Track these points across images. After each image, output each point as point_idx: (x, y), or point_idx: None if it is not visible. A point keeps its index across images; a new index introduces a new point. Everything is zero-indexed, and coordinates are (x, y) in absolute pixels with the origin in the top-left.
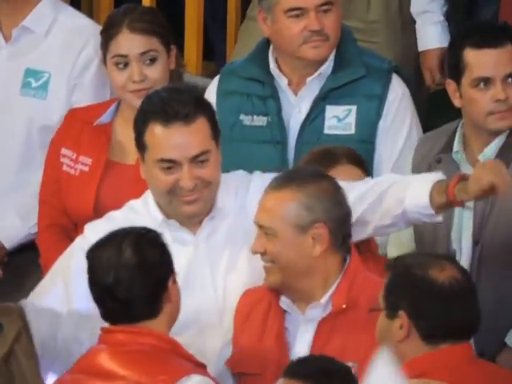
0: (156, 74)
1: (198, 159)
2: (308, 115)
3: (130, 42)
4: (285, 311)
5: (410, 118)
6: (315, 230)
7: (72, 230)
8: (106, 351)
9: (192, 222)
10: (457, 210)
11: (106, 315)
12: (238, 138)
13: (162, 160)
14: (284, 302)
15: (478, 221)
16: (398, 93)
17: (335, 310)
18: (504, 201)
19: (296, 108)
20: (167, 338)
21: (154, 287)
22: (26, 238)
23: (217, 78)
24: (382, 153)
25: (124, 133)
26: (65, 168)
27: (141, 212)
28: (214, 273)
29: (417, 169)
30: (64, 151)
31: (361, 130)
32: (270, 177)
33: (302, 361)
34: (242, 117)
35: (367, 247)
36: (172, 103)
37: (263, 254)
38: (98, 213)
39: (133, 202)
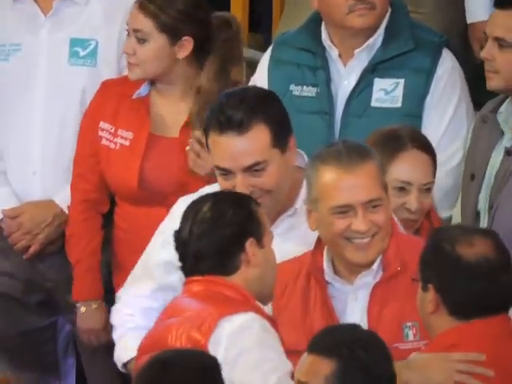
0: (143, 55)
1: (252, 169)
2: (355, 87)
3: (132, 17)
4: (327, 282)
5: (459, 93)
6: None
7: (104, 205)
8: (182, 300)
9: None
10: (488, 172)
11: (185, 270)
12: (287, 107)
13: (218, 168)
14: (328, 273)
15: (496, 183)
16: (447, 68)
17: (388, 275)
18: None
19: (345, 80)
20: (241, 290)
21: (226, 243)
22: None
23: (270, 48)
24: (428, 128)
25: (162, 106)
26: (104, 142)
27: None
28: None
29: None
30: (102, 125)
31: (408, 104)
32: None
33: (325, 334)
34: (291, 87)
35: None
36: (226, 109)
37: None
38: (142, 187)
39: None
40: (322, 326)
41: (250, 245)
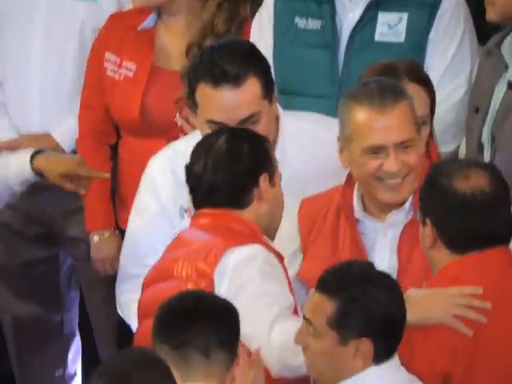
0: None
1: (247, 121)
2: (359, 21)
3: None
4: (356, 220)
5: (463, 27)
6: None
7: (112, 136)
8: (188, 232)
9: None
10: (491, 105)
11: (195, 203)
12: (292, 41)
13: (210, 121)
14: (358, 211)
15: (498, 118)
16: (451, 2)
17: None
18: None
19: (350, 13)
20: (248, 223)
21: (239, 176)
22: None
23: None
24: (431, 63)
25: (167, 38)
26: (109, 73)
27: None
28: None
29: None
30: (108, 56)
31: (411, 39)
32: None
33: (333, 272)
34: (296, 20)
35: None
36: (220, 63)
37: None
38: (143, 118)
39: (190, 141)
40: None
41: (263, 180)
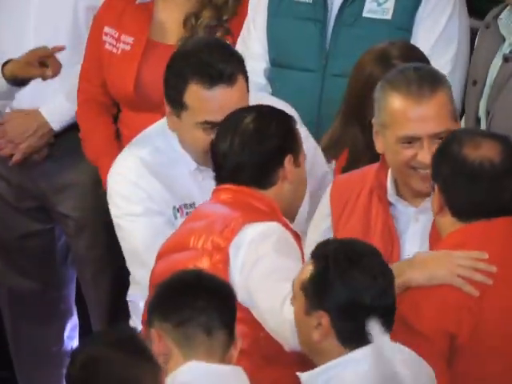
0: None
1: None
2: None
3: None
4: (389, 203)
5: (452, 5)
6: None
7: (111, 108)
8: (207, 205)
9: None
10: (488, 78)
11: (219, 178)
12: (285, 13)
13: (206, 122)
14: (391, 194)
15: (493, 91)
16: None
17: None
18: None
19: None
20: (269, 201)
21: (266, 156)
22: (72, 119)
23: None
24: (417, 41)
25: (165, 12)
26: (107, 46)
27: (168, 155)
28: None
29: None
30: (107, 29)
31: (399, 17)
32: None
33: (325, 242)
34: None
35: None
36: (214, 63)
37: None
38: (138, 92)
39: (155, 142)
40: (381, 246)
41: (288, 161)
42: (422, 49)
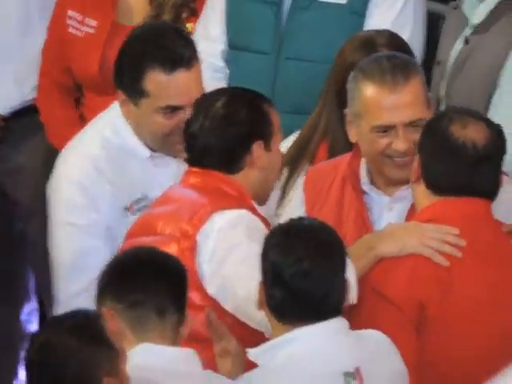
0: None
1: None
2: None
3: None
4: (363, 192)
5: None
6: None
7: (74, 90)
8: (175, 189)
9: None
10: (449, 61)
11: (190, 161)
12: None
13: (167, 107)
14: (365, 183)
15: (452, 73)
16: None
17: None
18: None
19: None
20: (238, 186)
21: (232, 142)
22: (20, 104)
23: None
24: (370, 25)
25: None
26: (71, 30)
27: (117, 145)
28: None
29: None
30: (70, 13)
31: (353, 1)
32: None
33: (287, 223)
34: None
35: None
36: (174, 48)
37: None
38: (103, 75)
39: (103, 132)
40: (355, 235)
41: (256, 147)
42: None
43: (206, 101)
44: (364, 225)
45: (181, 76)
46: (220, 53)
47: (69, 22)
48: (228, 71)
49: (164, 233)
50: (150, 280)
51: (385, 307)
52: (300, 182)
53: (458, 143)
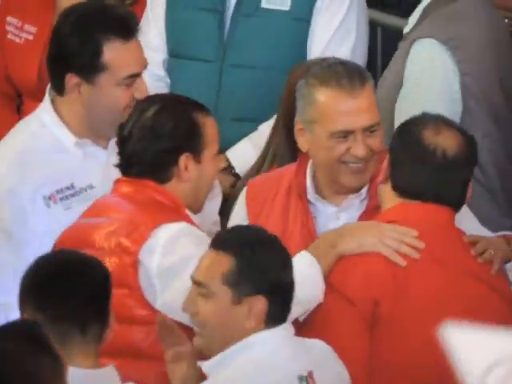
0: None
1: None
2: None
3: None
4: (309, 202)
5: None
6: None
7: (15, 99)
8: (109, 199)
9: (104, 138)
10: None
11: (120, 167)
12: (184, 4)
13: (130, 76)
14: (311, 193)
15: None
16: None
17: (374, 203)
18: None
19: None
20: (172, 196)
21: (160, 155)
22: None
23: None
24: (315, 32)
25: (70, 0)
26: (10, 36)
27: (43, 136)
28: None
29: None
30: (9, 19)
31: (297, 8)
32: None
33: (230, 232)
34: None
35: None
36: (124, 17)
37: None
38: (41, 81)
39: (30, 127)
40: (300, 245)
41: (184, 160)
42: (320, 40)
43: (140, 105)
44: (310, 235)
45: (135, 43)
46: (161, 62)
47: (8, 28)
48: (169, 80)
49: (101, 246)
50: (71, 292)
51: (340, 303)
52: (241, 196)
53: (429, 149)
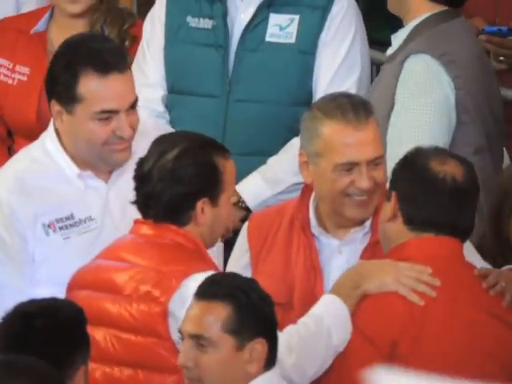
0: None
1: (134, 106)
2: (251, 21)
3: None
4: (313, 236)
5: (354, 31)
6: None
7: (7, 140)
8: (129, 241)
9: (104, 172)
10: None
11: (139, 206)
12: (183, 39)
13: (103, 111)
14: (314, 227)
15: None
16: (343, 5)
17: (377, 237)
18: None
19: (241, 13)
20: (193, 239)
21: (177, 198)
22: None
23: None
24: (321, 65)
25: (60, 40)
26: (1, 78)
27: (46, 164)
28: (124, 212)
29: None
30: (0, 60)
31: (302, 41)
32: None
33: (212, 282)
34: (188, 19)
35: None
36: (106, 51)
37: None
38: (40, 121)
39: (33, 152)
40: (304, 278)
41: (201, 204)
42: (326, 73)
43: (161, 145)
44: (313, 268)
45: (114, 79)
46: (160, 98)
47: None
48: (168, 117)
49: (128, 293)
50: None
51: (360, 341)
52: (243, 229)
53: (439, 178)
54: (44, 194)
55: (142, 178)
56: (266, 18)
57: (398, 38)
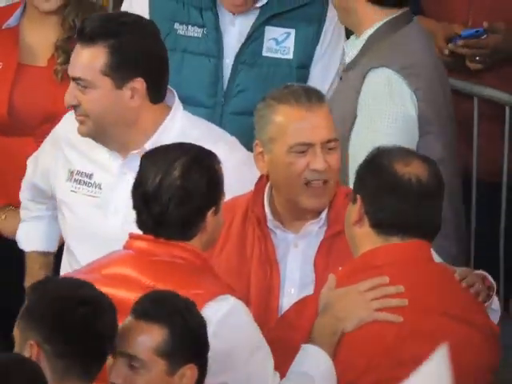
0: None
1: (77, 82)
2: (248, 35)
3: None
4: (268, 229)
5: (344, 37)
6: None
7: None
8: (131, 259)
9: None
10: None
11: (140, 225)
12: (172, 47)
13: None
14: (270, 220)
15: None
16: (333, 17)
17: (333, 230)
18: None
19: (236, 27)
20: (199, 254)
21: (190, 213)
22: None
23: None
24: (314, 78)
25: (32, 35)
26: None
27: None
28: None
29: None
30: None
31: (299, 56)
32: None
33: (151, 301)
34: (176, 26)
35: None
36: (86, 21)
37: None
38: (11, 115)
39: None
40: (259, 272)
41: (209, 214)
42: (322, 81)
43: (163, 160)
44: (268, 261)
45: (77, 48)
46: None
47: None
48: None
49: None
50: (87, 331)
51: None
52: None
53: (404, 179)
54: (83, 144)
55: (146, 198)
56: (263, 32)
57: (352, 48)
